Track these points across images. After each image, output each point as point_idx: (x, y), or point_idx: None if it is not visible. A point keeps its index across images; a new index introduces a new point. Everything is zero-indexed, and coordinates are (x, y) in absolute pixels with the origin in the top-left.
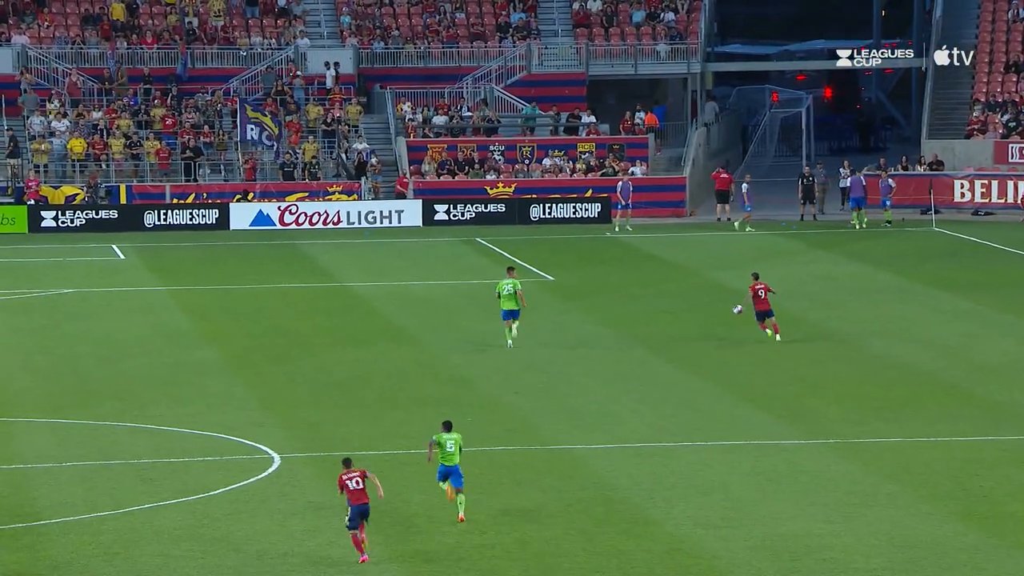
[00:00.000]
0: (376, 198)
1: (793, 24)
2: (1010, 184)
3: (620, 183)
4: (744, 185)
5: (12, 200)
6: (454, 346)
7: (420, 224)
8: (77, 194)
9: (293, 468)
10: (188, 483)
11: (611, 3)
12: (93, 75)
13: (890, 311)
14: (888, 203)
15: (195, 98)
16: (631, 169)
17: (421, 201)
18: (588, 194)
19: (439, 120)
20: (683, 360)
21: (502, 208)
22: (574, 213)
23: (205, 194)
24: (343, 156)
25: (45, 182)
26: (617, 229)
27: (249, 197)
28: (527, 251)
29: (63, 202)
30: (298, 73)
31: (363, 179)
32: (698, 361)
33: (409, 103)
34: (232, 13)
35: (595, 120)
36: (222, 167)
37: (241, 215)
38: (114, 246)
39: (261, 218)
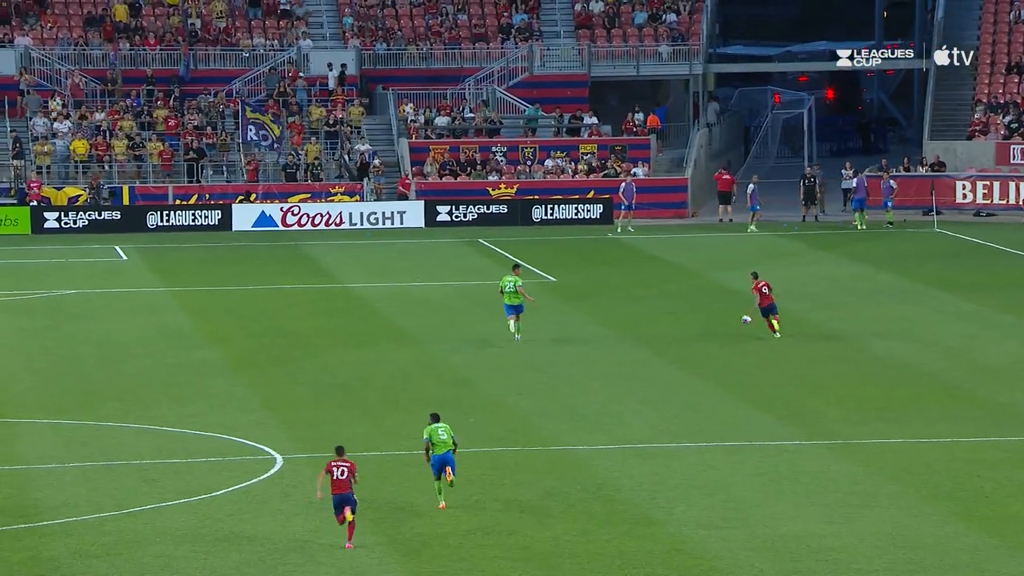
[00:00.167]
0: (378, 199)
1: (795, 25)
2: (1012, 185)
3: (624, 184)
4: (751, 186)
5: (15, 201)
6: (456, 347)
7: (422, 225)
8: (80, 195)
9: (295, 469)
10: (190, 484)
11: (613, 4)
12: (96, 76)
13: (892, 312)
14: (890, 204)
15: (198, 99)
16: (633, 170)
17: (423, 202)
18: (590, 195)
19: (441, 121)
20: (685, 361)
21: (504, 209)
22: (576, 214)
23: (208, 195)
24: (345, 157)
25: (48, 183)
26: (619, 230)
27: (252, 198)
28: (529, 252)
29: (66, 203)
30: (300, 74)
31: (365, 180)
32: (700, 362)
33: (411, 104)
34: (235, 14)
35: (597, 121)
36: (224, 168)
37: (244, 216)
38: (117, 247)
39: (264, 219)
